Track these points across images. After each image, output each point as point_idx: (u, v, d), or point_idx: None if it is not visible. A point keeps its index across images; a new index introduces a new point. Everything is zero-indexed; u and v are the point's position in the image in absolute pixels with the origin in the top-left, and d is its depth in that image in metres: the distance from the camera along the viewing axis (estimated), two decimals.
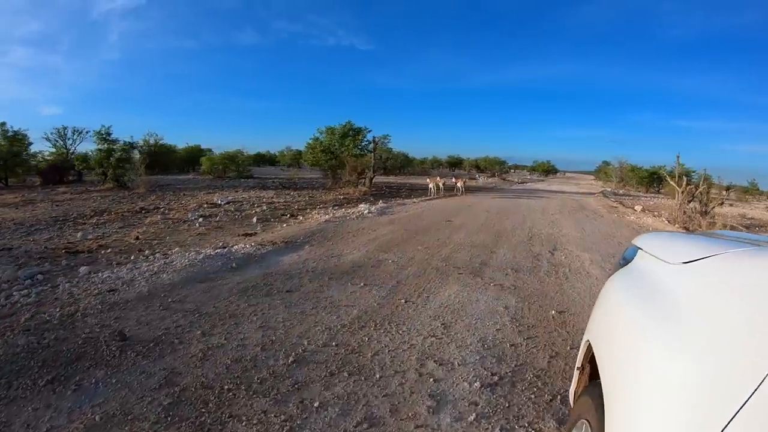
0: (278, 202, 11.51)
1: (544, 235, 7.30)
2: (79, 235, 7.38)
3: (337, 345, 2.96)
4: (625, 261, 1.52)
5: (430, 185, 15.49)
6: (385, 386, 2.44)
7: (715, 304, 0.87)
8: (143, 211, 10.40)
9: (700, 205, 11.93)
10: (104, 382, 2.39)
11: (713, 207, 11.97)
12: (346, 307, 3.68)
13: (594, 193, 21.75)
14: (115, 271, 4.88)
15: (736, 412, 0.60)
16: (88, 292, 4.03)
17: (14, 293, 4.04)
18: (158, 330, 3.12)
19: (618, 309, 1.22)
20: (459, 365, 2.68)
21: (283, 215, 9.30)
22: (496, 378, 2.54)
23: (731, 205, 19.71)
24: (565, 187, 27.84)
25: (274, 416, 2.14)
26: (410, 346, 2.95)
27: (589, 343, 1.29)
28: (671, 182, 13.24)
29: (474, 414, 2.19)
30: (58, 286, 4.21)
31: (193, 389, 2.36)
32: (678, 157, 14.42)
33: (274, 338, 3.06)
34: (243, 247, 5.89)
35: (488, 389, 2.42)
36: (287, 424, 2.08)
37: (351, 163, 15.60)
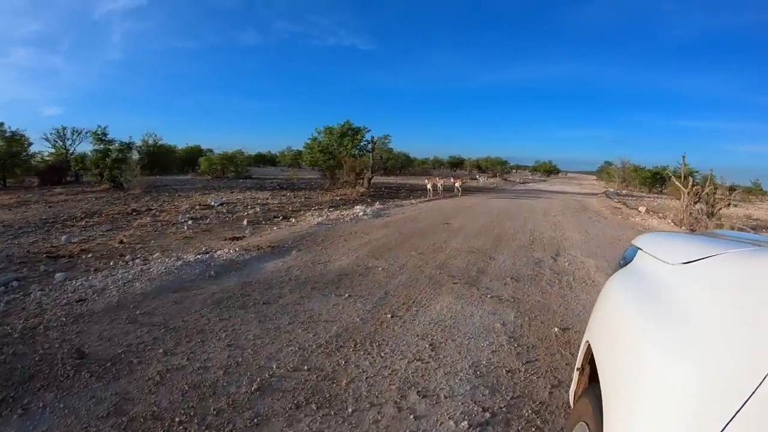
0: (272, 204, 11.13)
1: (546, 239, 6.89)
2: (63, 238, 7.07)
3: (309, 369, 2.58)
4: (625, 261, 1.49)
5: (428, 186, 15.07)
6: (357, 424, 2.06)
7: (715, 304, 0.85)
8: (134, 213, 10.10)
9: (707, 206, 11.53)
10: (52, 407, 2.14)
11: (720, 208, 11.57)
12: (325, 322, 3.30)
13: (596, 194, 21.28)
14: (90, 278, 4.57)
15: (736, 413, 0.59)
16: (57, 302, 3.73)
17: None
18: (119, 347, 2.80)
19: (617, 310, 1.19)
20: (445, 398, 2.28)
21: (275, 217, 8.92)
22: (487, 415, 2.14)
23: (735, 205, 19.20)
24: (567, 188, 27.36)
25: None
26: (391, 372, 2.55)
27: (589, 344, 1.26)
28: (677, 183, 12.80)
29: None
30: (30, 294, 3.94)
31: (142, 420, 2.06)
32: (683, 157, 13.97)
33: (240, 359, 2.69)
34: (226, 253, 5.52)
35: (477, 430, 2.02)
36: None
37: (349, 164, 15.21)
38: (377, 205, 10.88)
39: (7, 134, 19.11)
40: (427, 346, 2.88)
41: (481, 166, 43.05)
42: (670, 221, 11.54)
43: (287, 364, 2.65)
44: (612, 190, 27.08)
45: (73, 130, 22.12)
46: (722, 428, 0.59)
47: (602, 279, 4.58)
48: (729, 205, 13.01)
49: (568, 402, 1.72)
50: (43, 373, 2.45)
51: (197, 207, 10.65)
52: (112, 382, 2.38)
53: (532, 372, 2.58)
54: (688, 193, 12.05)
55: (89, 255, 5.83)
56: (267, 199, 12.28)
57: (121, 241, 6.80)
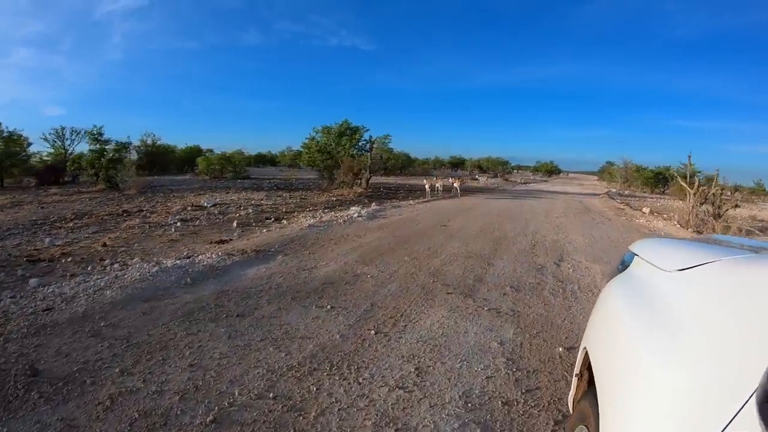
0: (266, 205, 10.76)
1: (548, 243, 6.48)
2: (47, 241, 6.77)
3: (274, 397, 2.21)
4: (623, 266, 1.47)
5: (426, 186, 14.67)
6: None
7: (709, 311, 0.85)
8: (124, 214, 9.79)
9: (713, 207, 11.15)
10: None
11: (726, 209, 11.18)
12: (301, 339, 2.93)
13: (599, 194, 20.82)
14: (63, 285, 4.27)
15: (730, 421, 0.59)
16: (24, 310, 3.44)
17: None
18: (75, 364, 2.53)
19: (614, 316, 1.19)
20: None
21: (267, 219, 8.56)
22: None
23: (739, 206, 18.73)
24: (568, 188, 26.90)
25: None
26: (369, 402, 2.17)
27: (587, 351, 1.25)
28: (683, 183, 12.38)
29: None
30: (0, 302, 3.65)
31: None
32: (689, 157, 13.49)
33: (200, 383, 2.35)
34: (208, 258, 5.16)
35: None
36: None
37: (347, 164, 14.82)
38: (373, 206, 10.49)
39: (5, 134, 18.80)
40: (413, 370, 2.50)
41: (482, 167, 42.57)
42: (675, 223, 11.16)
43: (251, 389, 2.29)
44: (614, 190, 26.62)
45: (72, 130, 21.88)
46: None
47: None
48: (736, 206, 12.62)
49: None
50: None
51: (189, 208, 10.30)
52: (60, 405, 2.13)
53: (533, 404, 2.19)
54: (694, 194, 11.68)
55: (69, 259, 5.56)
56: (261, 200, 11.91)
57: (105, 245, 6.50)
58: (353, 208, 9.78)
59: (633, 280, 1.27)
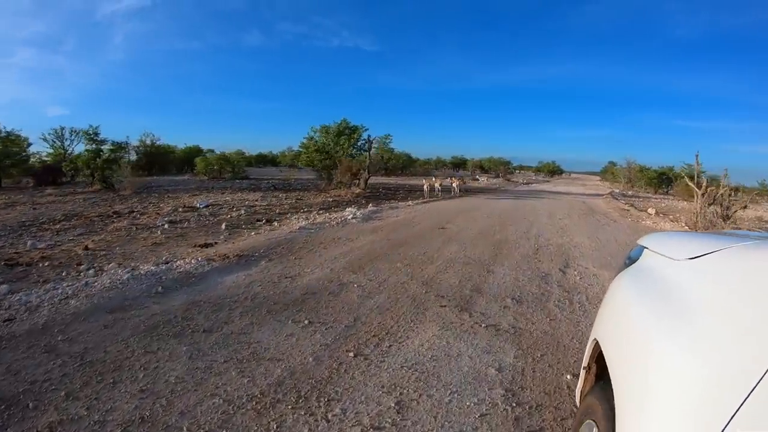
0: (260, 206, 10.37)
1: (552, 247, 6.04)
2: (29, 243, 6.43)
3: None
4: (630, 261, 1.46)
5: (425, 186, 14.22)
6: None
7: (722, 297, 0.85)
8: (114, 216, 9.46)
9: (722, 208, 10.70)
10: None
11: (735, 211, 10.73)
12: (269, 361, 2.53)
13: (602, 195, 20.33)
14: (32, 292, 3.94)
15: (742, 403, 0.59)
16: None
17: None
18: (22, 384, 2.26)
19: (626, 307, 1.16)
20: None
21: (258, 221, 8.15)
22: None
23: (747, 207, 18.18)
24: (571, 188, 26.38)
25: None
26: None
27: (596, 343, 1.25)
28: (690, 184, 11.90)
29: None
30: None
31: None
32: (697, 156, 12.99)
33: (147, 413, 2.00)
34: (186, 263, 4.77)
35: None
36: None
37: (345, 164, 14.41)
38: (370, 207, 10.07)
39: (2, 134, 18.50)
40: (393, 405, 2.08)
41: (484, 167, 42.05)
42: (683, 224, 10.72)
43: (202, 425, 1.93)
44: (618, 190, 26.11)
45: (72, 131, 21.57)
46: (729, 419, 0.59)
47: None
48: (745, 207, 12.17)
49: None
50: None
51: (180, 209, 9.93)
52: None
53: None
54: (702, 194, 11.25)
55: (47, 263, 5.24)
56: (256, 200, 11.52)
57: (86, 248, 6.15)
58: (349, 209, 9.36)
59: (644, 272, 1.25)
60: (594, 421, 1.08)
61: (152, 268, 4.65)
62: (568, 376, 2.39)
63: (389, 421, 1.95)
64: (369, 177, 14.81)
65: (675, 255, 1.14)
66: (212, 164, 19.64)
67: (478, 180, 25.50)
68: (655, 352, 0.85)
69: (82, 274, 4.69)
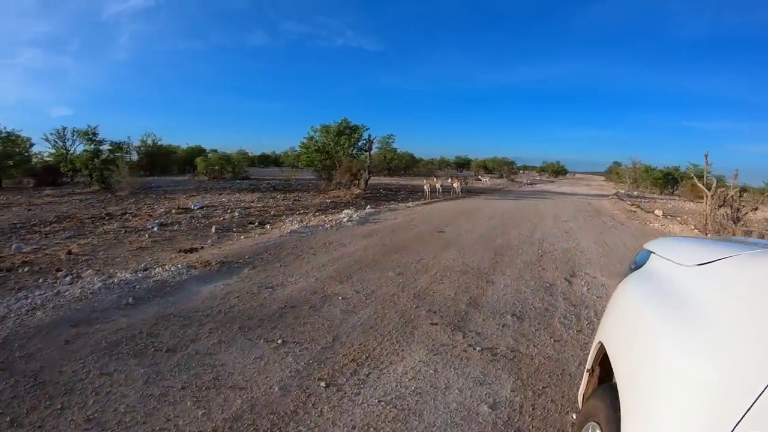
0: (255, 207, 10.02)
1: (558, 252, 5.62)
2: (13, 247, 6.15)
3: None
4: (636, 266, 1.42)
5: (425, 187, 13.83)
6: None
7: (731, 304, 0.84)
8: (106, 217, 9.19)
9: (732, 210, 10.25)
10: None
11: (746, 213, 10.27)
12: (231, 390, 2.20)
13: (607, 195, 19.81)
14: (2, 301, 3.62)
15: (748, 409, 0.59)
16: None
17: None
18: None
19: (633, 311, 1.15)
20: None
21: (250, 223, 7.80)
22: None
23: (758, 208, 17.64)
24: (576, 189, 25.84)
25: None
26: None
27: (600, 346, 1.24)
28: (699, 185, 11.44)
29: None
30: None
31: None
32: (706, 156, 12.48)
33: None
34: (165, 271, 4.46)
35: None
36: None
37: (345, 164, 14.03)
38: (368, 209, 9.69)
39: (2, 135, 18.33)
40: None
41: (487, 167, 41.49)
42: (692, 227, 10.27)
43: None
44: (623, 191, 25.55)
45: (74, 131, 21.39)
46: (735, 424, 0.59)
47: None
48: (756, 209, 11.71)
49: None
50: None
51: (173, 211, 9.61)
52: None
53: None
54: (712, 195, 10.80)
55: (27, 269, 5.00)
56: (252, 201, 11.18)
57: (70, 252, 5.86)
58: (346, 211, 8.99)
59: (651, 276, 1.22)
60: (597, 423, 1.05)
61: (128, 276, 4.34)
62: (574, 415, 2.00)
63: None
64: (369, 177, 14.42)
65: (683, 261, 1.11)
66: (213, 164, 19.34)
67: (480, 180, 24.93)
68: (663, 356, 0.83)
69: (58, 281, 4.42)
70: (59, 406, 2.03)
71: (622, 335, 1.13)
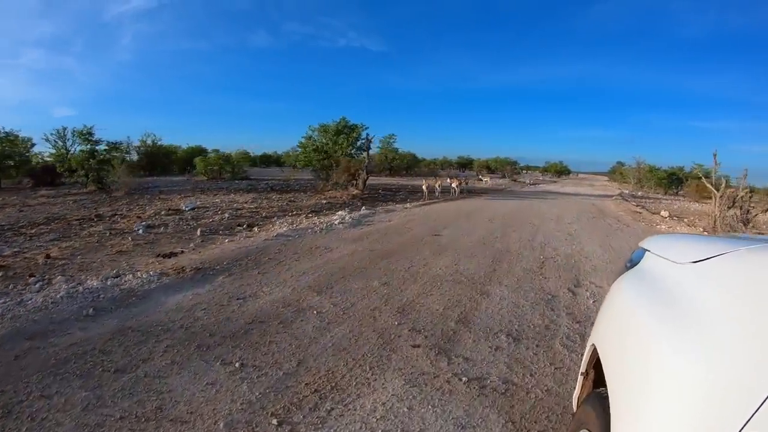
0: (248, 209, 9.65)
1: (560, 258, 5.18)
2: None
3: None
4: (632, 264, 1.36)
5: (424, 187, 13.42)
6: None
7: (727, 302, 0.81)
8: (96, 219, 8.89)
9: (741, 212, 9.80)
10: None
11: (756, 214, 9.82)
12: (172, 423, 1.94)
13: (611, 196, 19.28)
14: None
15: (752, 415, 0.55)
16: None
17: None
18: None
19: (625, 311, 1.11)
20: None
21: (238, 225, 7.42)
22: None
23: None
24: (579, 189, 25.29)
25: None
26: None
27: (594, 348, 1.20)
28: (708, 185, 10.97)
29: None
30: None
31: None
32: (715, 155, 11.98)
33: None
34: (136, 278, 4.15)
35: None
36: None
37: (343, 164, 13.63)
38: (363, 210, 9.27)
39: (1, 135, 18.11)
40: None
41: (490, 167, 40.93)
42: (701, 229, 9.79)
43: None
44: (627, 191, 25.00)
45: (74, 131, 21.16)
46: (734, 429, 0.56)
47: None
48: (766, 210, 11.22)
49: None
50: None
51: (163, 212, 9.26)
52: None
53: None
54: (721, 196, 10.34)
55: (0, 274, 4.62)
56: (246, 202, 10.81)
57: (48, 256, 5.54)
58: (340, 212, 8.58)
59: (645, 275, 1.17)
60: (590, 430, 1.00)
61: (95, 284, 4.01)
62: None
63: None
64: (368, 177, 14.01)
65: (678, 258, 1.07)
66: (212, 165, 19.01)
67: (481, 180, 24.35)
68: (655, 357, 0.79)
69: (27, 288, 4.14)
70: None
71: (613, 335, 1.09)
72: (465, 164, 44.14)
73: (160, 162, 23.20)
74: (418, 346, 2.58)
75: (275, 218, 8.23)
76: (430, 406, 1.98)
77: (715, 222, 9.90)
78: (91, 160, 14.85)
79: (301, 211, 9.29)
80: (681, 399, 0.67)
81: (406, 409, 1.95)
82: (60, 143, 21.27)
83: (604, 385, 0.97)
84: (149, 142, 23.40)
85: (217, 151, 25.80)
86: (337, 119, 15.27)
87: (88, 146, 15.66)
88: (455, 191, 14.68)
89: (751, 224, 9.25)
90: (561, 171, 53.95)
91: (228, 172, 19.13)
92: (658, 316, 0.89)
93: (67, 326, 3.00)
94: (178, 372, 2.32)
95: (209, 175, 19.00)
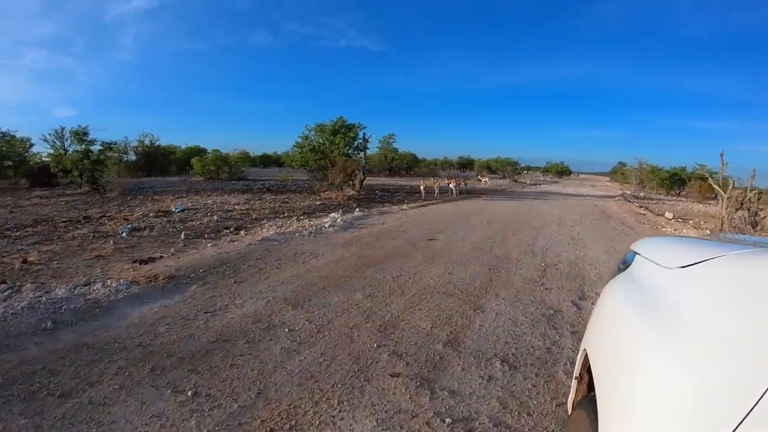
0: (238, 210, 9.29)
1: (563, 265, 4.79)
2: None
3: None
4: (625, 265, 1.35)
5: (421, 187, 13.01)
6: None
7: (713, 308, 0.80)
8: (83, 221, 8.56)
9: (749, 213, 9.42)
10: None
11: (764, 217, 9.45)
12: None
13: (613, 196, 18.86)
14: None
15: (740, 423, 0.54)
16: None
17: None
18: None
19: (612, 316, 1.10)
20: None
21: (225, 228, 7.06)
22: None
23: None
24: (581, 190, 24.84)
25: None
26: None
27: (586, 352, 1.17)
28: (716, 186, 10.58)
29: None
30: None
31: None
32: (722, 155, 11.57)
33: None
34: (106, 286, 3.89)
35: None
36: None
37: (340, 164, 13.26)
38: (356, 212, 8.90)
39: None
40: None
41: (491, 167, 40.47)
42: (707, 231, 9.40)
43: None
44: (629, 191, 24.56)
45: (70, 131, 20.88)
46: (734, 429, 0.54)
47: None
48: None
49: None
50: None
51: (152, 214, 8.92)
52: None
53: None
54: (728, 198, 9.95)
55: None
56: (238, 204, 10.44)
57: (24, 261, 5.24)
58: (332, 214, 8.21)
59: (634, 279, 1.16)
60: None
61: (61, 293, 3.72)
62: None
63: None
64: (364, 178, 13.63)
65: (666, 263, 1.05)
66: (209, 165, 18.66)
67: (481, 180, 23.85)
68: (641, 363, 0.78)
69: None
70: None
71: (601, 341, 1.06)
72: (465, 164, 43.72)
73: (158, 162, 22.88)
74: (398, 375, 2.21)
75: (265, 220, 7.86)
76: None
77: (722, 224, 9.52)
78: (85, 160, 14.53)
79: (292, 213, 8.92)
80: (669, 405, 0.65)
81: None
82: (58, 143, 21.03)
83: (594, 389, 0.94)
84: (147, 142, 23.08)
85: (217, 151, 25.52)
86: (334, 119, 14.91)
87: (83, 146, 15.36)
88: (453, 192, 14.31)
89: (759, 226, 8.90)
90: (562, 171, 53.43)
91: (225, 173, 18.78)
92: (647, 321, 0.87)
93: (23, 341, 2.73)
94: (124, 400, 2.01)
95: (206, 176, 18.66)
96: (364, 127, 14.88)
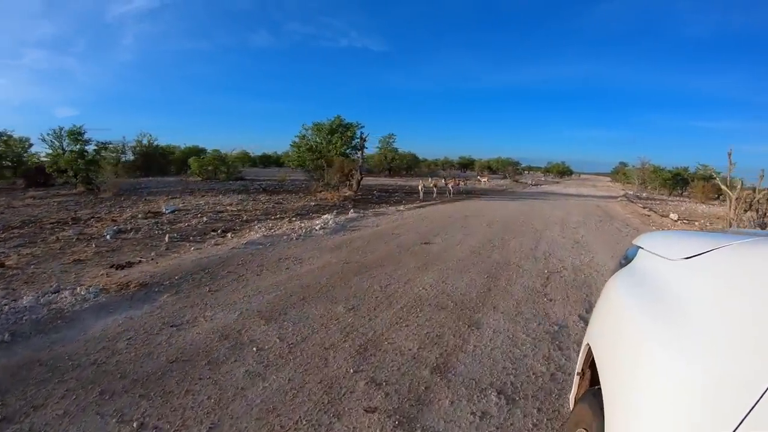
0: (230, 211, 8.95)
1: (568, 272, 4.42)
2: None
3: None
4: (627, 261, 1.33)
5: (420, 187, 12.66)
6: None
7: (717, 298, 0.78)
8: (71, 222, 8.26)
9: (758, 215, 9.09)
10: None
11: None
12: None
13: (616, 197, 18.46)
14: None
15: (746, 415, 0.51)
16: None
17: None
18: None
19: (618, 309, 1.07)
20: None
21: (213, 230, 6.73)
22: None
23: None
24: (582, 190, 24.42)
25: None
26: None
27: (589, 347, 1.15)
28: (724, 187, 10.23)
29: None
30: None
31: None
32: (730, 154, 11.18)
33: None
34: (73, 294, 3.62)
35: None
36: None
37: (337, 164, 12.92)
38: (350, 214, 8.54)
39: None
40: None
41: (492, 167, 40.07)
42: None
43: None
44: (631, 192, 24.15)
45: (69, 131, 20.62)
46: (733, 430, 0.52)
47: None
48: None
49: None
50: None
51: (140, 215, 8.60)
52: None
53: None
54: (737, 198, 9.60)
55: None
56: (231, 204, 10.11)
57: (2, 265, 4.96)
58: (325, 216, 7.86)
59: (637, 272, 1.14)
60: (586, 429, 0.98)
61: (26, 301, 3.46)
62: None
63: None
64: (362, 178, 13.27)
65: (670, 255, 1.03)
66: (206, 165, 18.35)
67: (480, 181, 23.38)
68: (646, 356, 0.76)
69: None
70: None
71: (605, 335, 1.04)
72: (466, 164, 43.33)
73: (156, 162, 22.59)
74: (374, 411, 1.85)
75: (255, 222, 7.52)
76: None
77: (730, 225, 9.17)
78: (79, 160, 14.25)
79: (285, 214, 8.57)
80: (674, 397, 0.63)
81: None
82: (56, 143, 20.76)
83: (599, 383, 0.89)
84: (145, 142, 22.78)
85: (216, 151, 25.22)
86: (332, 118, 14.57)
87: (78, 146, 15.08)
88: (450, 192, 13.99)
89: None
90: (563, 171, 52.98)
91: (223, 173, 18.46)
92: (649, 314, 0.85)
93: None
94: (66, 428, 1.73)
95: (204, 176, 18.35)
96: (361, 127, 14.55)
